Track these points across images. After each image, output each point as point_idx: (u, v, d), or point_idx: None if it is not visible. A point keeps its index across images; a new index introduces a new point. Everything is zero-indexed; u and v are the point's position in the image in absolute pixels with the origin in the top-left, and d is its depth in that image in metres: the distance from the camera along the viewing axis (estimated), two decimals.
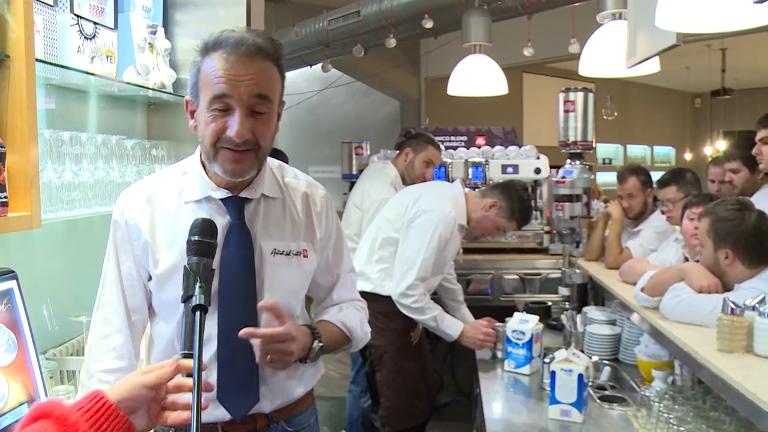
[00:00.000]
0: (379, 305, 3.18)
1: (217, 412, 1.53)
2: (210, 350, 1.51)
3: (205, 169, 1.55)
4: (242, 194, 1.55)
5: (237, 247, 1.52)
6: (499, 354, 2.97)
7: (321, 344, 1.59)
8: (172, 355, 1.55)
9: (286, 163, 1.71)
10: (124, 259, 1.55)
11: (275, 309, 1.47)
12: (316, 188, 1.70)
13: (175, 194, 1.55)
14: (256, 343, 1.46)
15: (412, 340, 3.25)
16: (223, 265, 1.49)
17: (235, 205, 1.54)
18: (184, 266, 1.30)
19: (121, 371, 1.50)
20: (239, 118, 1.40)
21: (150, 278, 1.55)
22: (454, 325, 3.07)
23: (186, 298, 1.25)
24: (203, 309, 1.22)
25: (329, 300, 1.76)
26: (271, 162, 1.64)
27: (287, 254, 1.58)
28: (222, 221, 1.51)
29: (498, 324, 3.09)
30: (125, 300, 1.55)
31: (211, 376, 1.51)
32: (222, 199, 1.54)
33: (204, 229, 1.33)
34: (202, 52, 1.45)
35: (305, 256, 1.61)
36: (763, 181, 3.10)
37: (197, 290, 1.24)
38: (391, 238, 3.19)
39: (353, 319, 1.73)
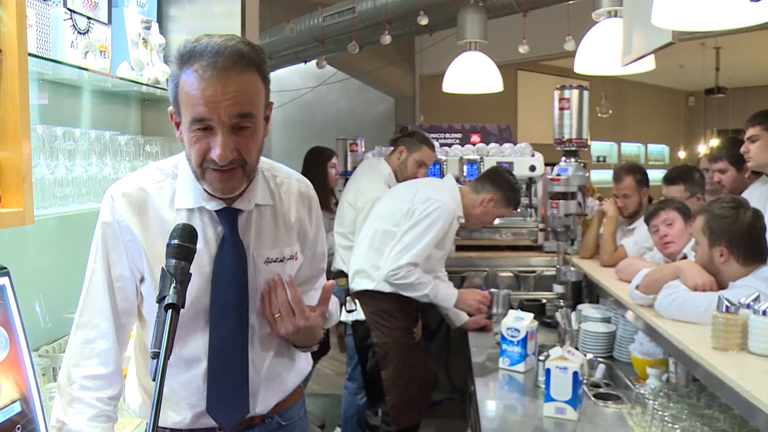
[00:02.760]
0: (382, 303, 3.18)
1: (213, 422, 1.54)
2: (200, 368, 1.51)
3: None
4: (235, 205, 1.51)
5: (230, 259, 1.49)
6: (494, 319, 3.09)
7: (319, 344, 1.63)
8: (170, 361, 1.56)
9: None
10: (115, 260, 1.49)
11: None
12: (308, 187, 1.69)
13: (167, 199, 1.50)
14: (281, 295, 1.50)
15: (415, 336, 3.25)
16: (216, 278, 1.46)
17: (228, 216, 1.50)
18: (162, 268, 1.29)
19: (104, 378, 1.47)
20: (221, 141, 1.35)
21: (142, 279, 1.51)
22: (450, 295, 3.22)
23: (160, 299, 1.25)
24: (176, 308, 1.23)
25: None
26: (262, 162, 1.58)
27: (281, 261, 1.57)
28: (215, 232, 1.49)
29: (494, 290, 3.24)
30: (114, 303, 1.49)
31: (203, 392, 1.51)
32: (215, 210, 1.50)
33: (184, 233, 1.33)
34: (178, 63, 1.38)
35: (296, 259, 1.61)
36: (751, 179, 3.12)
37: (171, 290, 1.24)
38: (389, 232, 3.20)
39: (332, 306, 1.75)
